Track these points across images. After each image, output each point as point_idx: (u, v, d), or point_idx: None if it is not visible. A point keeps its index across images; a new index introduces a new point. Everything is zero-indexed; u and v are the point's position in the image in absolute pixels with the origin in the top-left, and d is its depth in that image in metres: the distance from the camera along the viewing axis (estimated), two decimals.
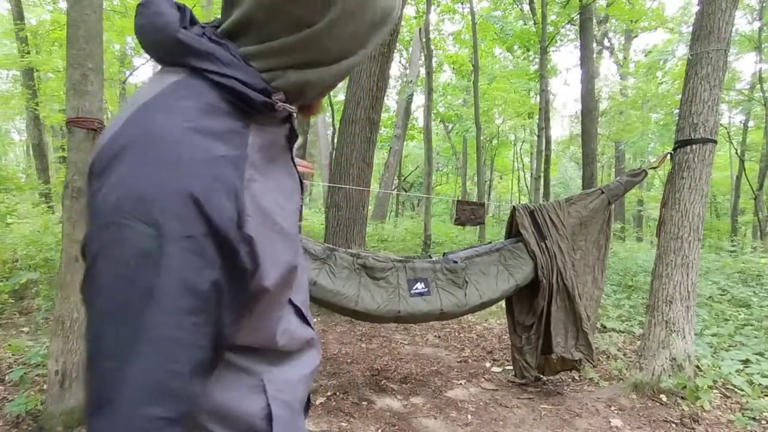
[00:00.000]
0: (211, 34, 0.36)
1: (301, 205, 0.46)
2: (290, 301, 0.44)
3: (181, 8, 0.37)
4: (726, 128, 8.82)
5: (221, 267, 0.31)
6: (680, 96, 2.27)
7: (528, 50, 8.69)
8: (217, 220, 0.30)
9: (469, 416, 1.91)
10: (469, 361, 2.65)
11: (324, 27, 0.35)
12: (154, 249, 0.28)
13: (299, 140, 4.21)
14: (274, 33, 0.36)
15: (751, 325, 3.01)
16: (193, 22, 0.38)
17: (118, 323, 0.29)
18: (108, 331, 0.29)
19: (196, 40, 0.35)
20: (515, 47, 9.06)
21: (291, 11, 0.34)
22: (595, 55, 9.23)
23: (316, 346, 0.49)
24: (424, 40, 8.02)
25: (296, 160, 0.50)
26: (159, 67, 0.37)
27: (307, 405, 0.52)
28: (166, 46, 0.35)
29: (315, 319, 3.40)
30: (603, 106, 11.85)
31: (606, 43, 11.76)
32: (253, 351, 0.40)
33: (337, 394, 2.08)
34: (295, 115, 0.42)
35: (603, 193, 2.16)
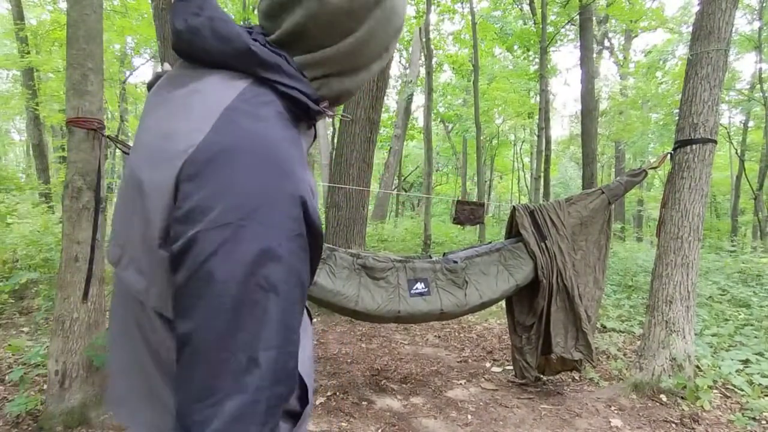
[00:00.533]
0: (265, 42, 0.38)
1: None
2: None
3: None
4: (726, 128, 8.82)
5: (310, 260, 0.35)
6: (680, 96, 2.27)
7: (528, 50, 8.69)
8: (314, 219, 0.34)
9: (469, 416, 1.91)
10: (469, 361, 2.65)
11: (363, 35, 0.38)
12: (275, 247, 0.31)
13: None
14: (323, 43, 0.38)
15: (751, 325, 3.00)
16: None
17: (243, 316, 0.30)
18: (232, 323, 0.30)
19: (267, 53, 0.37)
20: (515, 47, 9.06)
21: (343, 22, 0.37)
22: (595, 55, 9.23)
23: (311, 332, 0.52)
24: (424, 40, 8.01)
25: None
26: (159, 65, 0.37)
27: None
28: (234, 54, 0.36)
29: (315, 319, 3.41)
30: (603, 106, 11.84)
31: (606, 43, 11.76)
32: None
33: (337, 394, 2.08)
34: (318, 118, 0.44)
35: (603, 193, 2.15)
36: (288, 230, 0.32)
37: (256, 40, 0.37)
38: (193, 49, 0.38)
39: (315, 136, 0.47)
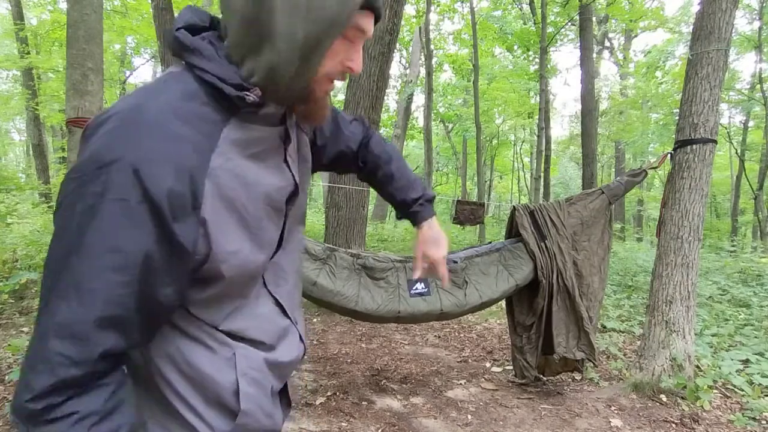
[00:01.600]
0: (211, 37, 0.40)
1: (285, 205, 0.47)
2: (268, 291, 0.48)
3: (203, 16, 0.41)
4: (726, 128, 8.82)
5: (154, 234, 0.34)
6: (680, 96, 2.26)
7: (528, 50, 8.69)
8: (152, 190, 0.33)
9: (469, 416, 1.91)
10: (469, 361, 2.65)
11: (266, 16, 0.36)
12: (94, 206, 0.32)
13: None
14: (232, 17, 0.38)
15: (751, 325, 3.00)
16: (213, 28, 0.41)
17: (54, 264, 0.34)
18: (48, 268, 0.34)
19: (187, 37, 0.38)
20: (515, 47, 9.06)
21: (268, 19, 0.36)
22: (595, 55, 9.23)
23: (291, 337, 0.51)
24: (424, 39, 8.01)
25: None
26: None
27: (287, 399, 0.53)
28: (170, 42, 0.40)
29: (315, 319, 3.41)
30: (603, 106, 11.85)
31: (606, 43, 11.76)
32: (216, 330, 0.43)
33: (337, 394, 2.08)
34: (290, 116, 0.45)
35: (603, 193, 2.15)
36: (110, 193, 0.33)
37: (204, 36, 0.39)
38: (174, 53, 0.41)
39: (286, 133, 0.45)
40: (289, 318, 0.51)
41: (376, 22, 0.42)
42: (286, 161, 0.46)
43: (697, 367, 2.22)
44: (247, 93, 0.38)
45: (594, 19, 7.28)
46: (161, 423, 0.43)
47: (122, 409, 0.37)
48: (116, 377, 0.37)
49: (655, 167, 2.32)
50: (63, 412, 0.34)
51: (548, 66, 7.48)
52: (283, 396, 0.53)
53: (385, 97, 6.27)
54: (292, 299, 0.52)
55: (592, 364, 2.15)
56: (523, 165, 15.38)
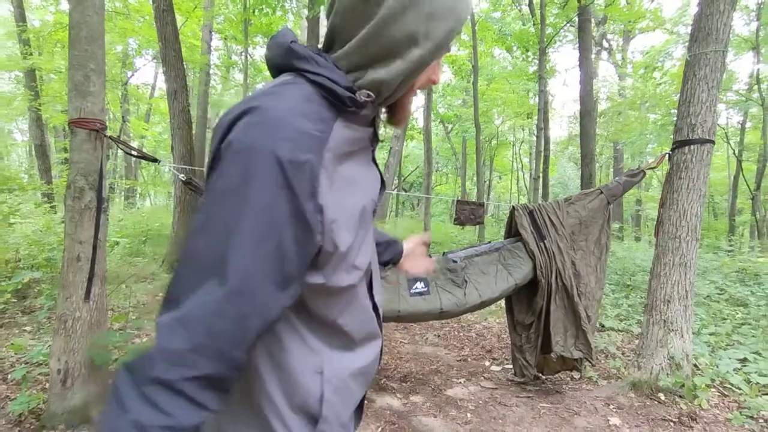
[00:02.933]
0: (314, 49, 0.46)
1: (377, 201, 0.52)
2: (371, 295, 0.52)
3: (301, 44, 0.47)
4: (723, 129, 8.84)
5: (293, 214, 0.38)
6: (678, 96, 2.28)
7: (527, 51, 8.71)
8: (292, 179, 0.38)
9: (469, 414, 1.92)
10: (469, 359, 2.66)
11: (380, 20, 0.41)
12: (241, 187, 0.37)
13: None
14: (350, 34, 0.44)
15: (749, 324, 3.02)
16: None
17: (223, 239, 0.37)
18: (214, 242, 0.37)
19: (301, 48, 0.44)
20: (514, 48, 9.08)
21: (360, 11, 0.42)
22: (593, 56, 9.24)
23: (376, 343, 0.54)
24: None
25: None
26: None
27: (360, 408, 0.56)
28: (281, 54, 0.45)
29: None
30: (602, 106, 11.86)
31: (604, 44, 11.79)
32: (322, 327, 0.46)
33: None
34: (379, 119, 0.50)
35: (602, 193, 2.17)
36: (258, 179, 0.38)
37: (292, 47, 0.45)
38: (269, 64, 0.48)
39: (375, 134, 0.50)
40: (380, 327, 0.54)
41: None
42: (373, 159, 0.52)
43: (695, 365, 2.23)
44: (364, 97, 0.43)
45: (593, 20, 7.31)
46: (244, 422, 0.44)
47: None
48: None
49: (653, 167, 2.34)
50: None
51: (547, 67, 7.50)
52: (358, 408, 0.55)
53: None
54: (381, 305, 0.57)
55: (590, 364, 2.16)
56: (522, 165, 15.39)
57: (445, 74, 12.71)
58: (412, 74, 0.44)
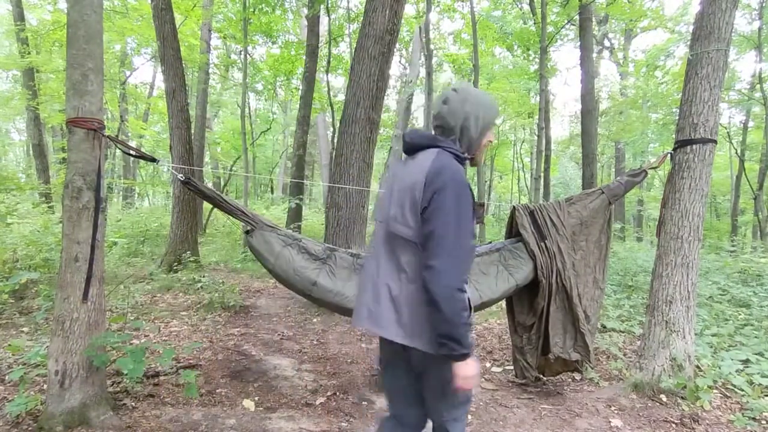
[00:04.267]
0: (442, 135, 1.07)
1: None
2: None
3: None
4: (726, 128, 8.81)
5: (473, 207, 0.99)
6: (680, 95, 2.26)
7: (528, 50, 8.68)
8: (472, 193, 0.99)
9: (469, 416, 1.91)
10: None
11: (473, 131, 1.08)
12: (463, 197, 0.96)
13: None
14: (453, 132, 1.06)
15: (751, 325, 3.00)
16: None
17: (459, 224, 0.94)
18: (454, 226, 0.93)
19: (440, 138, 1.06)
20: (515, 47, 9.05)
21: (469, 128, 1.07)
22: (594, 55, 9.22)
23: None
24: (423, 39, 7.99)
25: None
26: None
27: None
28: (430, 140, 1.06)
29: (315, 319, 3.40)
30: (603, 105, 11.83)
31: (606, 43, 11.75)
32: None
33: (337, 394, 2.08)
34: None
35: (603, 193, 2.15)
36: (465, 193, 0.96)
37: (435, 135, 1.08)
38: (413, 148, 1.07)
39: (465, 168, 1.07)
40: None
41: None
42: None
43: (697, 367, 2.22)
44: (468, 157, 1.08)
45: (594, 18, 7.28)
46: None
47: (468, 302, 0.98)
48: None
49: (655, 167, 2.32)
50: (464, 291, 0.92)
51: (548, 66, 7.47)
52: None
53: (385, 97, 6.27)
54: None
55: (589, 365, 2.15)
56: (523, 165, 15.37)
57: (446, 73, 12.69)
58: (478, 143, 1.09)
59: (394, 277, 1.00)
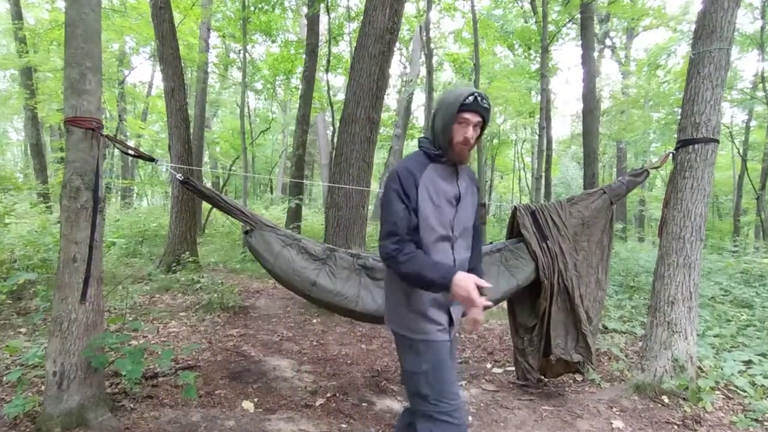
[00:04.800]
0: (424, 138, 1.22)
1: (452, 201, 1.17)
2: (453, 252, 1.18)
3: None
4: (728, 127, 8.78)
5: (404, 197, 1.12)
6: (682, 95, 2.25)
7: (529, 49, 8.66)
8: (405, 186, 1.12)
9: (470, 417, 1.90)
10: (470, 362, 2.64)
11: (435, 125, 1.17)
12: (394, 188, 1.13)
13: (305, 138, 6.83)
14: (434, 133, 1.17)
15: (754, 325, 2.99)
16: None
17: (387, 207, 1.13)
18: (384, 209, 1.14)
19: (422, 139, 1.21)
20: (516, 46, 9.03)
21: (435, 126, 1.16)
22: (596, 54, 9.18)
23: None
24: (424, 38, 7.97)
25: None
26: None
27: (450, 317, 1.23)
28: (424, 143, 1.20)
29: (315, 320, 3.39)
30: (605, 105, 11.80)
31: (607, 41, 11.72)
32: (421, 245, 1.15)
33: (337, 395, 2.07)
34: (459, 167, 1.20)
35: (605, 193, 2.14)
36: (396, 186, 1.13)
37: (424, 138, 1.22)
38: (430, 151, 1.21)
39: (455, 168, 1.19)
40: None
41: (480, 115, 1.13)
42: (456, 182, 1.18)
43: (699, 368, 2.21)
44: (439, 155, 1.16)
45: (595, 17, 7.25)
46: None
47: (418, 255, 1.09)
48: (413, 246, 1.10)
49: (657, 167, 2.31)
50: (399, 250, 1.08)
51: (549, 65, 7.46)
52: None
53: (386, 97, 6.25)
54: (463, 267, 1.17)
55: (590, 366, 2.13)
56: (524, 164, 15.35)
57: (447, 72, 12.67)
58: (445, 135, 1.13)
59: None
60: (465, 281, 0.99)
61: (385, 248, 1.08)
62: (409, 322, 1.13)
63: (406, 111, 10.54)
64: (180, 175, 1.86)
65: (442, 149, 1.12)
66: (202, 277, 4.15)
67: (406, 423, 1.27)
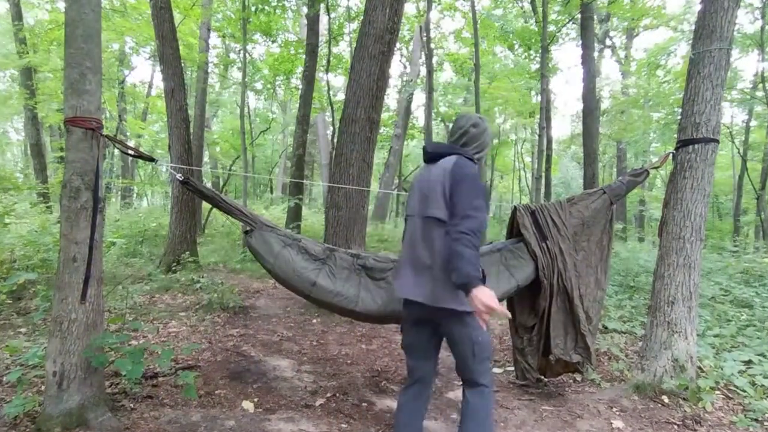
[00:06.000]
0: (454, 144, 1.49)
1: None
2: None
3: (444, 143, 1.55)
4: (728, 127, 8.78)
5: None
6: (682, 95, 2.25)
7: (529, 49, 8.66)
8: (482, 185, 1.38)
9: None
10: None
11: (482, 141, 1.52)
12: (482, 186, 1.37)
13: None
14: (470, 143, 1.48)
15: (754, 325, 2.99)
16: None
17: (481, 197, 1.30)
18: (478, 197, 1.29)
19: (457, 147, 1.45)
20: (516, 46, 9.02)
21: (479, 139, 1.50)
22: (596, 54, 9.19)
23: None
24: (424, 38, 7.97)
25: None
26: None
27: None
28: (449, 150, 1.43)
29: (315, 320, 3.39)
30: (605, 105, 11.81)
31: (607, 41, 11.71)
32: None
33: (337, 395, 2.07)
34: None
35: (605, 192, 2.13)
36: (477, 182, 1.34)
37: (452, 144, 1.49)
38: (434, 157, 1.43)
39: (480, 168, 1.45)
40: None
41: None
42: None
43: (699, 368, 2.21)
44: (479, 160, 1.47)
45: (595, 17, 7.25)
46: None
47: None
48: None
49: (657, 167, 2.31)
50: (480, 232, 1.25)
51: (549, 65, 7.45)
52: None
53: (386, 97, 6.25)
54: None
55: (590, 366, 2.13)
56: (524, 164, 15.35)
57: (447, 72, 12.67)
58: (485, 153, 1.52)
59: (427, 252, 1.32)
60: (490, 293, 1.12)
61: (476, 221, 1.22)
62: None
63: (406, 111, 10.54)
64: (180, 175, 1.86)
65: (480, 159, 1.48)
66: (202, 277, 4.15)
67: (412, 397, 1.41)
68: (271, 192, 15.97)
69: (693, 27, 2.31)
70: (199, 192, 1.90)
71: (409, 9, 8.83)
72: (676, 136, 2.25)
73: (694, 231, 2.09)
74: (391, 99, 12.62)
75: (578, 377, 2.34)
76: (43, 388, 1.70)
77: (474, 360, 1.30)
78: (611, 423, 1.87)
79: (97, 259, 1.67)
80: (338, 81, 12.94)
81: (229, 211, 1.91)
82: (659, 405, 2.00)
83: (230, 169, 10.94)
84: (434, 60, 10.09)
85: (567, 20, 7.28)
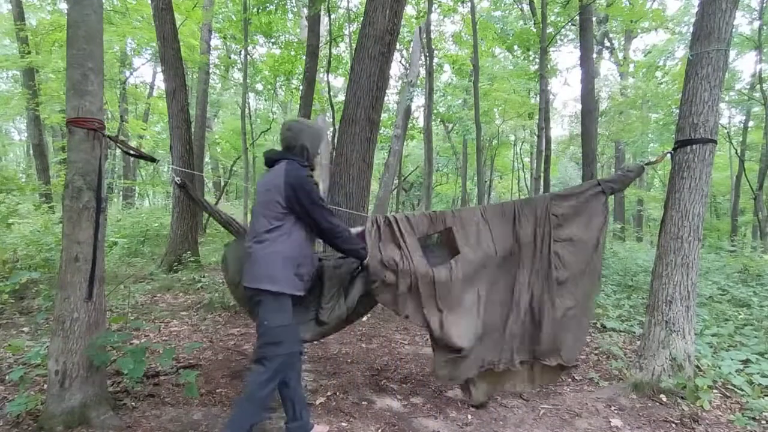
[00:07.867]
0: (286, 152, 1.66)
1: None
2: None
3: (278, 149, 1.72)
4: (726, 128, 8.81)
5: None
6: (680, 96, 2.26)
7: (528, 50, 8.69)
8: (313, 188, 1.59)
9: (469, 416, 1.91)
10: None
11: (303, 143, 1.68)
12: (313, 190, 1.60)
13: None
14: (298, 150, 1.66)
15: (751, 325, 3.00)
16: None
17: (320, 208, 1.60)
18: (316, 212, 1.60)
19: (286, 153, 1.64)
20: (515, 47, 9.06)
21: (298, 141, 1.67)
22: (595, 56, 9.22)
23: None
24: (424, 40, 7.99)
25: None
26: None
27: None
28: (281, 156, 1.63)
29: None
30: (603, 106, 11.83)
31: (606, 43, 11.75)
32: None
33: (337, 393, 2.08)
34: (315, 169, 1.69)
35: (599, 184, 2.03)
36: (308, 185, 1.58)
37: (280, 153, 1.66)
38: (269, 162, 1.65)
39: (313, 174, 1.62)
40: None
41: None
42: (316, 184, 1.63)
43: (697, 367, 2.22)
44: (309, 166, 1.66)
45: (594, 19, 7.28)
46: None
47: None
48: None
49: (653, 163, 2.32)
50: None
51: (548, 66, 7.47)
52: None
53: (385, 97, 6.26)
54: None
55: (573, 367, 2.08)
56: (523, 165, 15.36)
57: (446, 74, 12.69)
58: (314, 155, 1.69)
59: (259, 243, 1.53)
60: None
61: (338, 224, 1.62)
62: (290, 280, 1.52)
63: (405, 112, 10.54)
64: (178, 178, 1.88)
65: (311, 164, 1.64)
66: (204, 277, 4.16)
67: (282, 385, 1.59)
68: None
69: (691, 29, 2.32)
70: (192, 198, 1.94)
71: (409, 10, 8.85)
72: (674, 136, 2.27)
73: (692, 231, 2.11)
74: (391, 100, 12.64)
75: (577, 376, 2.35)
76: (45, 386, 1.71)
77: (262, 339, 1.51)
78: (609, 421, 1.88)
79: (100, 259, 1.68)
80: (338, 82, 12.98)
81: (221, 222, 1.97)
82: (657, 403, 2.01)
83: (231, 170, 10.94)
84: (434, 61, 10.10)
85: (566, 22, 7.31)
